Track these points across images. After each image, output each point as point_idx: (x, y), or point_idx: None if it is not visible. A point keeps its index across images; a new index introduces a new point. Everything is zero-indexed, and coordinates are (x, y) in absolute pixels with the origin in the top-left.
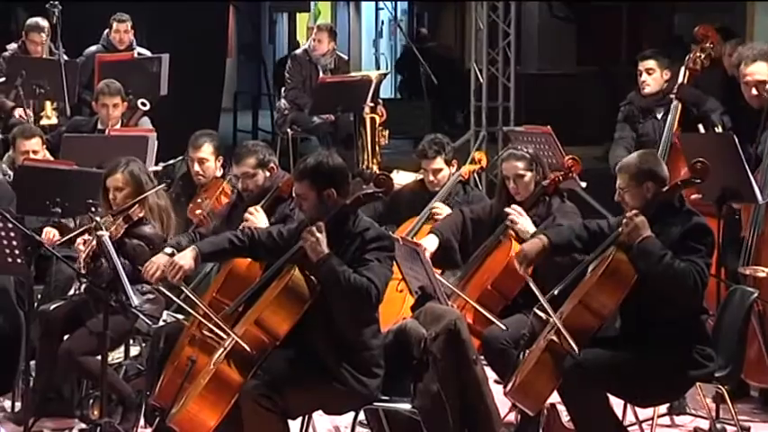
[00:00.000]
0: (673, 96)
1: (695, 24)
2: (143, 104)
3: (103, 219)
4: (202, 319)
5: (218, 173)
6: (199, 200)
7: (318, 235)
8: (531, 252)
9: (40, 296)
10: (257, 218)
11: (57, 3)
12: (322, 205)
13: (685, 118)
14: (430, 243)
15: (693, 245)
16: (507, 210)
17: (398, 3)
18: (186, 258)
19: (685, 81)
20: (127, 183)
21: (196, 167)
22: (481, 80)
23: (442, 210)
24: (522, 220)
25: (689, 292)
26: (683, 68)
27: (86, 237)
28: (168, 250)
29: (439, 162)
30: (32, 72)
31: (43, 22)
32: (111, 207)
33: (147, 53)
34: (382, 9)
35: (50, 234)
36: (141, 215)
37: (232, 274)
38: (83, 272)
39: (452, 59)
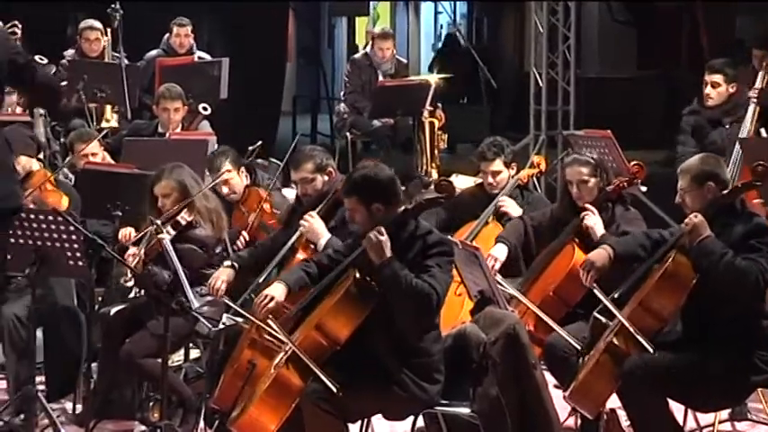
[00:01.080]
0: (754, 100)
1: (757, 27)
2: (204, 109)
3: (152, 221)
4: (262, 325)
5: (246, 181)
6: (242, 214)
7: (382, 237)
8: (597, 262)
9: (101, 299)
10: (313, 224)
11: (118, 8)
12: (372, 219)
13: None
14: (499, 252)
15: (755, 244)
16: (587, 207)
17: (458, 6)
18: (278, 290)
19: (764, 86)
20: (173, 189)
21: (225, 189)
22: (541, 84)
23: (508, 203)
24: (595, 219)
25: (751, 290)
26: (761, 73)
27: (134, 250)
28: (228, 263)
29: (498, 164)
30: (94, 76)
31: (97, 23)
32: (161, 214)
33: (207, 57)
34: (441, 13)
35: (126, 233)
36: (191, 219)
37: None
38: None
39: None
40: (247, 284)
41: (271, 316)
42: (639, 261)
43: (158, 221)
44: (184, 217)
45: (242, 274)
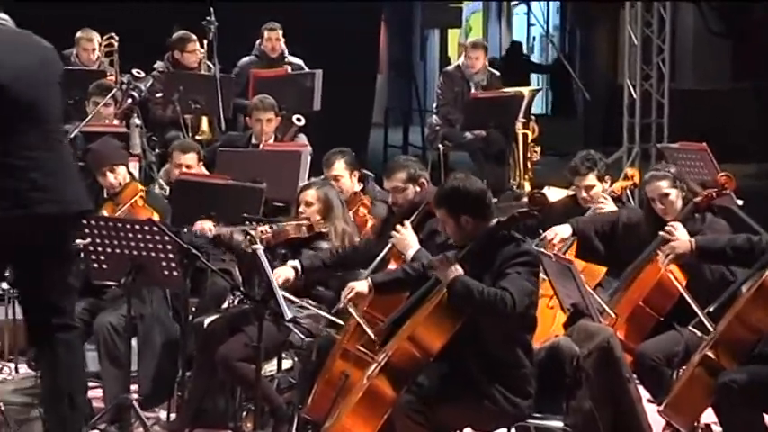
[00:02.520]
0: None
1: None
2: (298, 120)
3: (286, 221)
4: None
5: (357, 187)
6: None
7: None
8: (677, 248)
9: (195, 308)
10: (405, 234)
11: (213, 20)
12: (461, 231)
13: None
14: (562, 230)
15: None
16: (670, 224)
17: (550, 18)
18: (361, 285)
19: None
20: (317, 200)
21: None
22: (634, 96)
23: (608, 204)
24: (679, 232)
25: None
26: None
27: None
28: (293, 263)
29: (591, 178)
30: (189, 87)
31: (192, 35)
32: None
33: (299, 62)
34: (534, 25)
35: (206, 227)
36: (324, 231)
37: None
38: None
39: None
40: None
41: (366, 324)
42: (727, 261)
43: (252, 232)
44: (319, 225)
45: (322, 273)
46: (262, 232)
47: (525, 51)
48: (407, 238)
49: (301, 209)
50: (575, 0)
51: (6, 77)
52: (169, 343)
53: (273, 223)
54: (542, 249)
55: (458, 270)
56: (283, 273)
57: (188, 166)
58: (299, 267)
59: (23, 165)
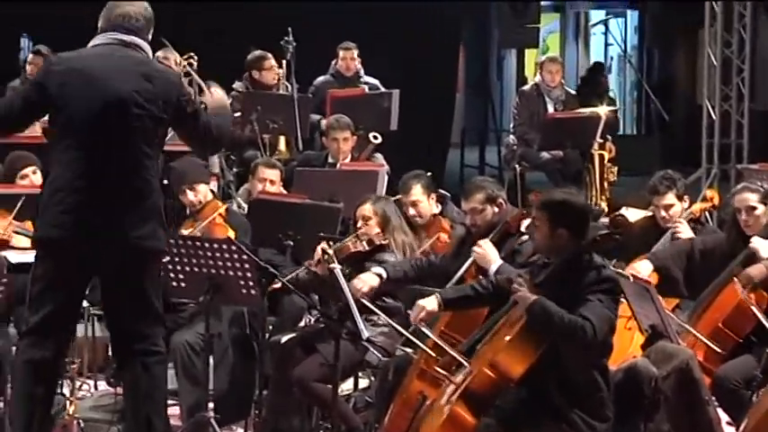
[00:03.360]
0: None
1: None
2: (375, 138)
3: (347, 237)
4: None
5: (436, 209)
6: (422, 240)
7: (525, 285)
8: (754, 275)
9: (272, 327)
10: (486, 250)
11: (291, 39)
12: (552, 240)
13: None
14: (642, 268)
15: None
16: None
17: (628, 37)
18: (430, 302)
19: None
20: (375, 214)
21: (411, 211)
22: (714, 116)
23: (682, 227)
24: (762, 244)
25: None
26: None
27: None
28: (378, 270)
29: (670, 198)
30: (267, 107)
31: (268, 54)
32: (357, 235)
33: (375, 82)
34: (611, 45)
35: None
36: (385, 242)
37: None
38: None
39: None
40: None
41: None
42: None
43: (330, 251)
44: (380, 237)
45: (403, 284)
46: (353, 242)
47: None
48: (489, 253)
49: (359, 224)
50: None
51: (86, 101)
52: (246, 361)
53: (367, 238)
54: (620, 271)
55: (536, 294)
56: (368, 280)
57: (272, 182)
58: (384, 275)
59: (90, 191)
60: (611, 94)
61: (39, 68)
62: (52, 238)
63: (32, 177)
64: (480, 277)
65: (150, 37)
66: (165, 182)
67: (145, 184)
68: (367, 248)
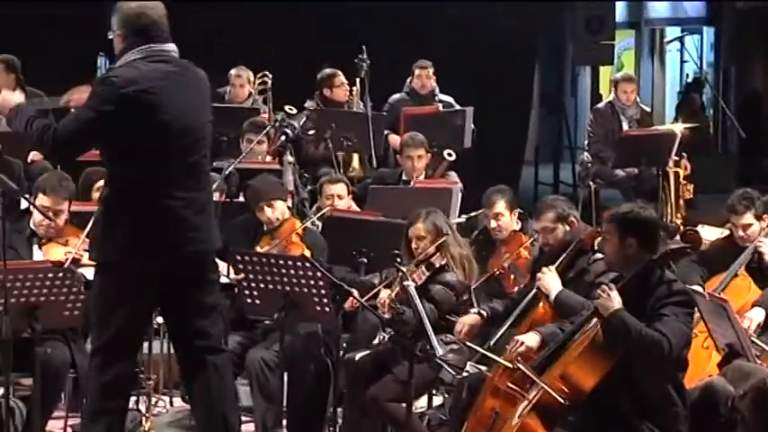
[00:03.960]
0: None
1: None
2: (449, 155)
3: (406, 268)
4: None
5: (516, 226)
6: (500, 255)
7: (610, 292)
8: None
9: (345, 344)
10: (547, 277)
11: (365, 57)
12: (621, 252)
13: None
14: (756, 315)
15: None
16: None
17: (704, 54)
18: (531, 339)
19: None
20: (429, 232)
21: (492, 224)
22: None
23: (767, 245)
24: None
25: None
26: None
27: (385, 293)
28: (476, 310)
29: (749, 217)
30: (341, 124)
31: (338, 72)
32: (414, 257)
33: (450, 100)
34: (687, 62)
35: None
36: (443, 263)
37: (534, 325)
38: (387, 318)
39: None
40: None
41: (519, 358)
42: None
43: (404, 269)
44: (438, 260)
45: (490, 326)
46: (412, 272)
47: (681, 89)
48: (550, 280)
49: (414, 244)
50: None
51: (169, 114)
52: (321, 379)
53: (426, 262)
54: (696, 288)
55: (619, 304)
56: (468, 320)
57: (339, 196)
58: (485, 314)
59: (180, 205)
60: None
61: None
62: (120, 257)
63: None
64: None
65: None
66: (242, 199)
67: (208, 194)
68: (428, 273)
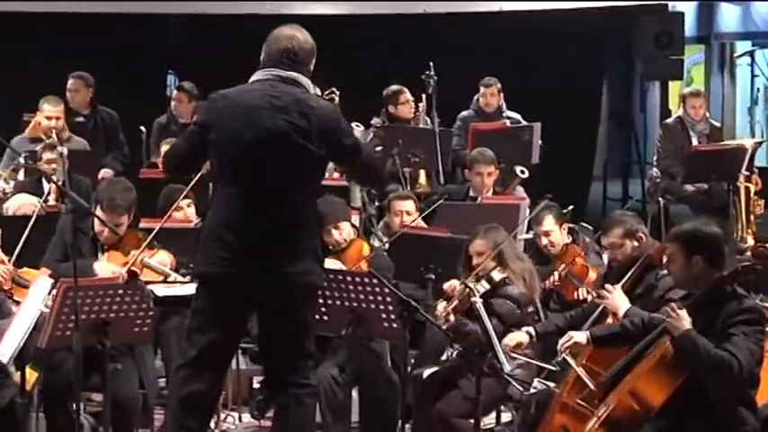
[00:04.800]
0: None
1: None
2: (522, 172)
3: (464, 283)
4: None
5: (567, 239)
6: (555, 266)
7: (679, 312)
8: None
9: (413, 361)
10: (614, 296)
11: (432, 74)
12: (688, 271)
13: None
14: None
15: None
16: None
17: None
18: (580, 335)
19: None
20: (488, 248)
21: (543, 241)
22: None
23: None
24: None
25: None
26: None
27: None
28: (528, 329)
29: None
30: (408, 141)
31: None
32: (473, 272)
33: (517, 116)
34: (758, 76)
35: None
36: (504, 276)
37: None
38: (450, 334)
39: None
40: None
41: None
42: None
43: (470, 284)
44: (497, 273)
45: (555, 337)
46: (448, 301)
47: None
48: (617, 299)
49: (475, 261)
50: None
51: (247, 138)
52: (389, 395)
53: (485, 276)
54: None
55: (689, 324)
56: (517, 337)
57: (408, 212)
58: (533, 333)
59: (248, 228)
60: None
61: (182, 105)
62: (210, 274)
63: (186, 210)
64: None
65: (312, 68)
66: None
67: (301, 220)
68: (488, 287)
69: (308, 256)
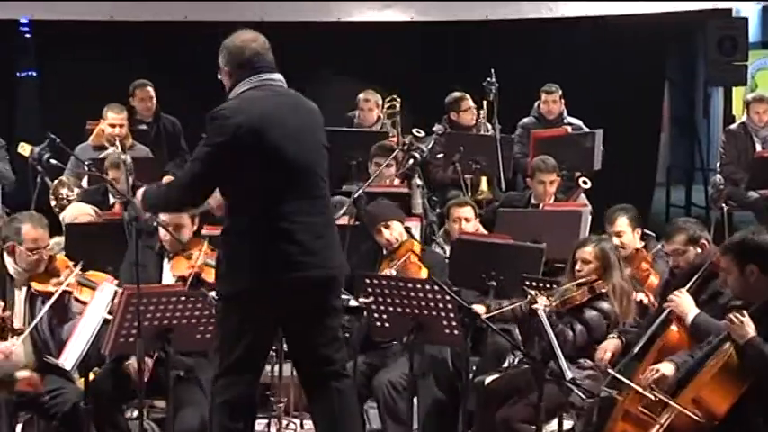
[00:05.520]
0: None
1: None
2: (584, 182)
3: (567, 286)
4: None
5: (639, 244)
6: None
7: (743, 319)
8: None
9: (475, 367)
10: (681, 300)
11: (493, 80)
12: (745, 281)
13: None
14: None
15: None
16: None
17: None
18: (668, 368)
19: None
20: (595, 257)
21: (615, 241)
22: None
23: None
24: None
25: None
26: None
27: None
28: (615, 334)
29: None
30: (470, 148)
31: (467, 95)
32: (575, 278)
33: (578, 122)
34: None
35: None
36: (604, 290)
37: (665, 349)
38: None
39: None
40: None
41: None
42: None
43: (533, 291)
44: (600, 286)
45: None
46: (548, 298)
47: None
48: (684, 303)
49: (578, 266)
50: None
51: (280, 140)
52: (449, 401)
53: (552, 283)
54: None
55: (753, 330)
56: (611, 347)
57: (467, 219)
58: (624, 339)
59: (294, 228)
60: None
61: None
62: (241, 287)
63: None
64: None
65: None
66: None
67: (327, 219)
68: (588, 296)
69: (340, 250)
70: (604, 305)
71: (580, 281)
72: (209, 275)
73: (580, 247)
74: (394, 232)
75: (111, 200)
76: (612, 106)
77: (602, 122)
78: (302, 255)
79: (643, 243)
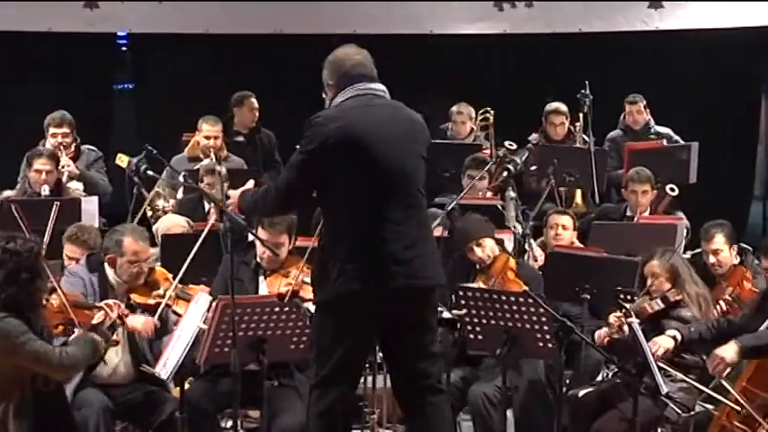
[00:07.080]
0: None
1: None
2: (672, 189)
3: (639, 300)
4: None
5: (736, 260)
6: (722, 289)
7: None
8: None
9: (569, 381)
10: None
11: (587, 93)
12: None
13: None
14: None
15: None
16: None
17: None
18: (728, 352)
19: None
20: (663, 269)
21: (711, 259)
22: None
23: None
24: None
25: None
26: None
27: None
28: (673, 332)
29: None
30: (564, 160)
31: (563, 107)
32: (648, 293)
33: (667, 131)
34: None
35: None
36: (679, 298)
37: (764, 364)
38: (606, 354)
39: None
40: None
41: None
42: None
43: (627, 305)
44: (674, 294)
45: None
46: (650, 305)
47: None
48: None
49: (649, 281)
50: None
51: (375, 148)
52: (543, 414)
53: (660, 295)
54: None
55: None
56: (664, 343)
57: (564, 227)
58: (679, 337)
59: (387, 237)
60: None
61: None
62: (335, 295)
63: None
64: None
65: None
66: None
67: (421, 230)
68: (662, 306)
69: (436, 259)
70: (683, 312)
71: (652, 293)
72: (307, 293)
73: (647, 261)
74: (486, 249)
75: (206, 206)
76: (708, 119)
77: (699, 135)
78: (392, 264)
79: (739, 259)
